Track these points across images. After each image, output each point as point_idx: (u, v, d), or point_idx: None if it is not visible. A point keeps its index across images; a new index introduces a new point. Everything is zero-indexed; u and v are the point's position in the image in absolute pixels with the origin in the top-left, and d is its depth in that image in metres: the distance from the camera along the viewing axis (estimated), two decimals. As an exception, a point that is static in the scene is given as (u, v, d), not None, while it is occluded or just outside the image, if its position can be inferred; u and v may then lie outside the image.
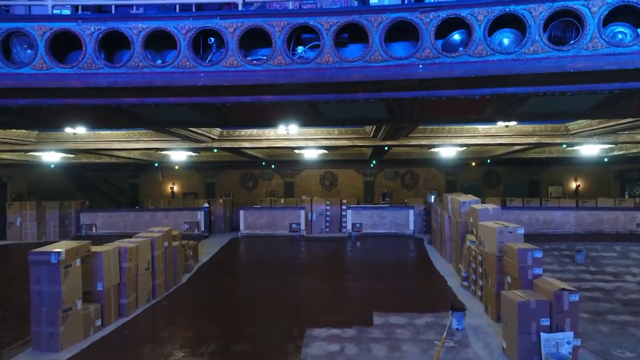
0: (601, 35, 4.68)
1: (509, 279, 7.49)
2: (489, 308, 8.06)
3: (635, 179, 20.96)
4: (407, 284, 10.54)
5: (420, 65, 4.98)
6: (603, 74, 4.82)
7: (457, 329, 7.18)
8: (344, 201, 17.62)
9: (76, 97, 5.76)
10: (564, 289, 6.11)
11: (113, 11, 9.44)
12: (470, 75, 4.88)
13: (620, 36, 4.81)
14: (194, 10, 6.06)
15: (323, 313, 8.24)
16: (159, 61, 5.53)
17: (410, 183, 22.72)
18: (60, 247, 6.78)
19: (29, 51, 5.58)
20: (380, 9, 5.03)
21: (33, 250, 6.76)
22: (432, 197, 21.89)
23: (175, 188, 23.43)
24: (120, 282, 7.96)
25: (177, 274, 10.40)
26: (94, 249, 7.53)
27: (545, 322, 6.11)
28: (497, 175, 22.49)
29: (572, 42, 4.82)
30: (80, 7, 11.69)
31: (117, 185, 23.50)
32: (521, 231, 8.08)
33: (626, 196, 20.04)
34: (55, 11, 10.52)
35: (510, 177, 22.39)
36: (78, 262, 6.93)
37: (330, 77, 5.11)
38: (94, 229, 16.74)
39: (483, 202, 16.49)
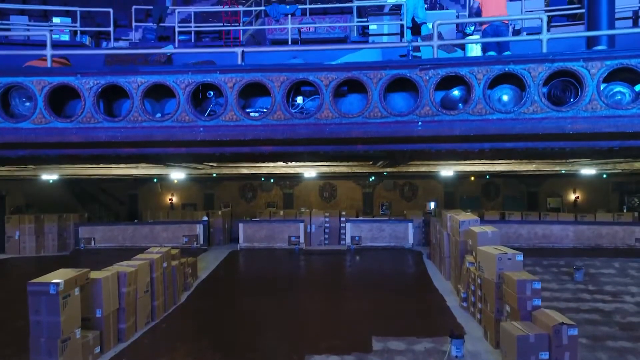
0: (600, 97, 4.67)
1: (508, 308, 7.52)
2: (488, 333, 8.06)
3: (633, 191, 21.01)
4: (406, 303, 10.44)
5: (420, 123, 4.97)
6: (602, 135, 4.81)
7: (457, 357, 7.20)
8: (343, 213, 17.44)
9: (75, 149, 5.75)
10: (563, 323, 6.16)
11: (112, 38, 9.38)
12: (469, 134, 4.87)
13: (619, 96, 4.79)
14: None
15: (322, 337, 8.22)
16: (158, 114, 5.52)
17: (410, 194, 22.62)
18: (59, 277, 6.71)
19: (28, 104, 5.57)
20: (380, 66, 5.02)
21: (32, 281, 6.69)
22: (432, 204, 21.75)
23: (174, 199, 23.33)
24: (120, 307, 7.89)
25: (177, 293, 10.32)
26: (93, 275, 7.46)
27: (544, 355, 6.19)
28: (496, 187, 22.40)
29: (571, 102, 4.81)
30: (78, 32, 11.62)
31: (116, 197, 23.38)
32: (520, 258, 8.07)
33: (624, 210, 20.06)
34: (54, 36, 10.48)
35: (509, 189, 22.30)
36: (77, 291, 6.87)
37: (330, 132, 5.11)
38: (92, 243, 16.68)
39: (482, 215, 16.62)
